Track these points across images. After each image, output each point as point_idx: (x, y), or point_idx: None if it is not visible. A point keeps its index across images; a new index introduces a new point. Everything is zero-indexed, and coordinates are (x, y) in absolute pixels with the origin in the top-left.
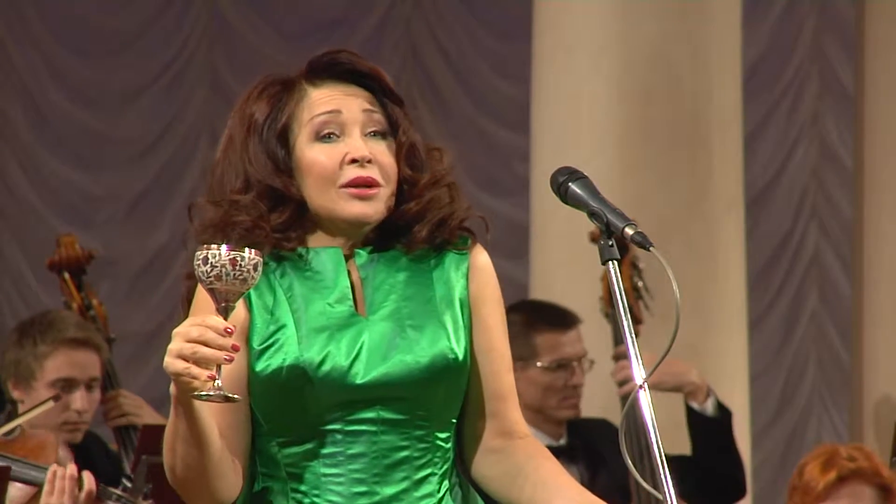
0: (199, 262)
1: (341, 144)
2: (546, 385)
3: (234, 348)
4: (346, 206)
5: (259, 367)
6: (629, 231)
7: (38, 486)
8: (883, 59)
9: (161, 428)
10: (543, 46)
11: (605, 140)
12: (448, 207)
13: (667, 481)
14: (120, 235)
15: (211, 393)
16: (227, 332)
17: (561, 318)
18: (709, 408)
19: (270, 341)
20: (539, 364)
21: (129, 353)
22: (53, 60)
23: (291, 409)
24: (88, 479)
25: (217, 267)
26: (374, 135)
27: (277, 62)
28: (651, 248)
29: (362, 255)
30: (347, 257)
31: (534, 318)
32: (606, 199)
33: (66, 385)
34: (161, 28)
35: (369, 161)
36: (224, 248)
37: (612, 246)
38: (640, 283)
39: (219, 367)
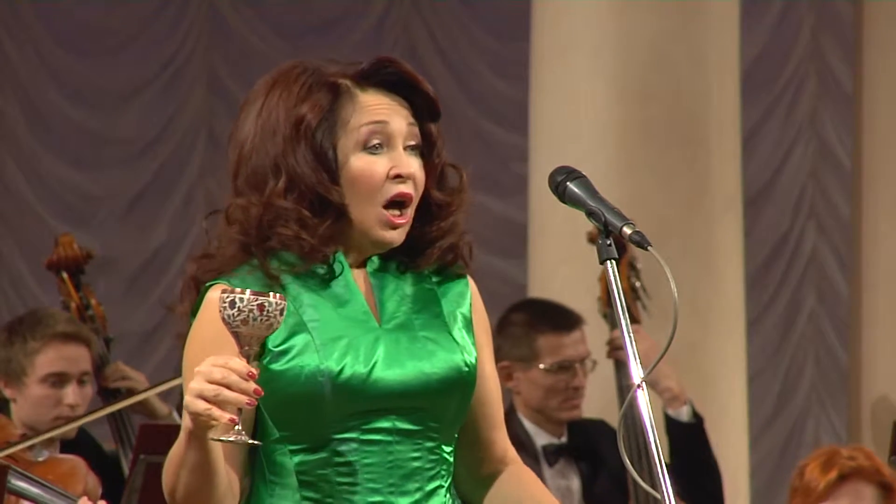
0: (226, 305)
1: (385, 158)
2: (548, 387)
3: (257, 392)
4: (379, 230)
5: (276, 369)
6: (627, 230)
7: None
8: (881, 58)
9: (160, 428)
10: (542, 46)
11: (603, 139)
12: (460, 233)
13: (665, 480)
14: (118, 235)
15: (231, 438)
16: (250, 376)
17: (564, 320)
18: (683, 414)
19: (285, 346)
20: (541, 366)
21: (127, 353)
22: (51, 60)
23: (308, 418)
24: None
25: (244, 312)
26: (412, 149)
27: (275, 62)
28: (649, 248)
29: (374, 262)
30: (361, 264)
31: (536, 319)
32: (605, 198)
33: (58, 380)
34: (159, 27)
35: (410, 177)
36: (248, 292)
37: (610, 245)
38: (637, 284)
39: (240, 409)
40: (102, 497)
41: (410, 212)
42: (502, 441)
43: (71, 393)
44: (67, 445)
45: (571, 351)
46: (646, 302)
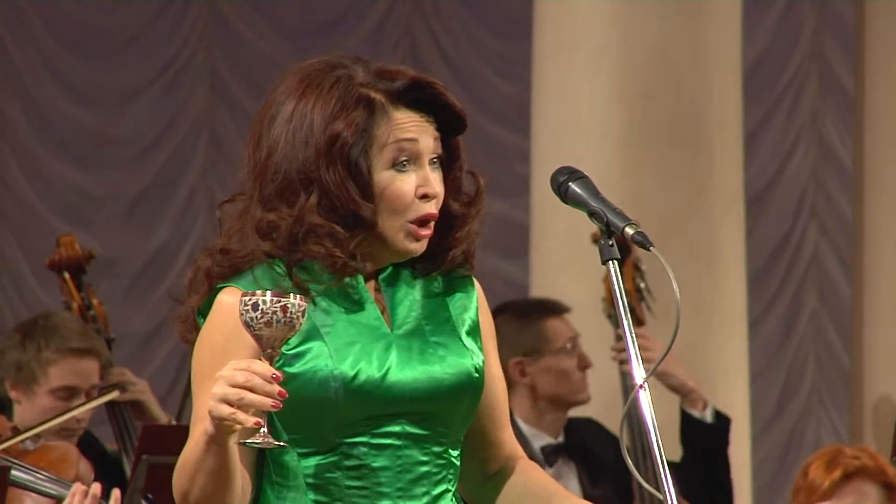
0: (248, 307)
1: (413, 175)
2: (566, 370)
3: (281, 395)
4: (404, 241)
5: (288, 373)
6: (629, 231)
7: (57, 500)
8: (883, 59)
9: (162, 429)
10: (543, 46)
11: (605, 140)
12: (473, 239)
13: (667, 481)
14: (119, 235)
15: (258, 440)
16: (274, 379)
17: (555, 305)
18: (708, 415)
19: (300, 349)
20: (555, 347)
21: (128, 353)
22: (53, 60)
23: (319, 421)
24: (115, 498)
25: (268, 314)
26: (434, 162)
27: (277, 62)
28: (651, 248)
29: (386, 270)
30: (373, 271)
31: (530, 311)
32: (606, 198)
33: (68, 393)
34: (160, 28)
35: (435, 196)
36: (269, 294)
37: (612, 246)
38: (642, 285)
39: (264, 412)
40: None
41: (433, 225)
42: (510, 440)
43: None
44: None
45: (572, 331)
46: (650, 303)
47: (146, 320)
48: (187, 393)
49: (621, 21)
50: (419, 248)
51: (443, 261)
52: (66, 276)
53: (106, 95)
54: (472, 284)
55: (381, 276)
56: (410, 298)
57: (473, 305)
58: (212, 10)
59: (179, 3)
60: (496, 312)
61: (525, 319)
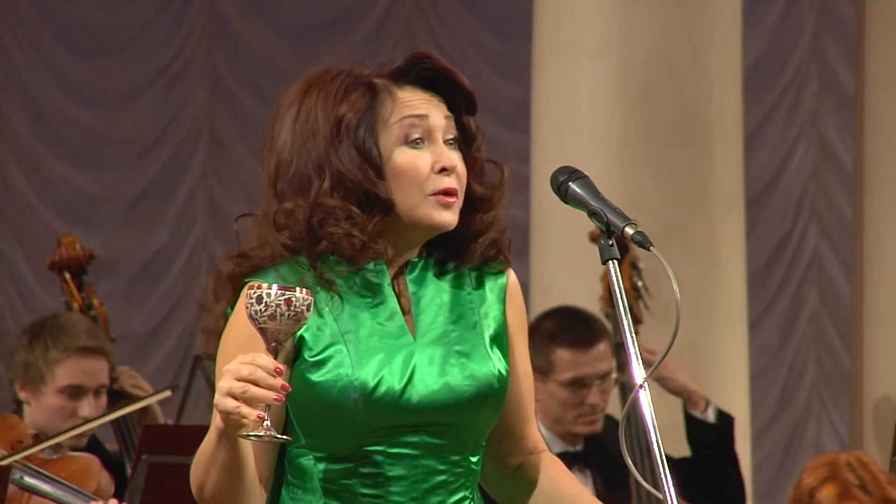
0: (253, 300)
1: (427, 152)
2: (563, 401)
3: (284, 388)
4: (432, 212)
5: (311, 378)
6: (629, 230)
7: None
8: (883, 59)
9: (162, 429)
10: (543, 46)
11: (605, 140)
12: (503, 227)
13: (667, 480)
14: (120, 235)
15: (261, 433)
16: (277, 373)
17: (584, 335)
18: (710, 416)
19: (322, 356)
20: (556, 380)
21: (128, 353)
22: (53, 60)
23: (337, 428)
24: None
25: (272, 307)
26: (451, 143)
27: (277, 62)
28: (651, 248)
29: (414, 268)
30: (400, 270)
31: (558, 332)
32: (606, 198)
33: (75, 392)
34: (160, 28)
35: (454, 170)
36: (275, 287)
37: (612, 245)
38: (639, 284)
39: (268, 406)
40: (114, 496)
41: (460, 200)
42: (533, 434)
43: (86, 405)
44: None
45: (589, 368)
46: (648, 302)
47: (146, 320)
48: (187, 393)
49: (621, 21)
50: (450, 217)
51: (474, 251)
52: (67, 276)
53: (106, 95)
54: (504, 279)
55: (409, 277)
56: (438, 301)
57: (499, 304)
58: (212, 10)
59: (179, 3)
60: (548, 314)
61: (552, 338)
